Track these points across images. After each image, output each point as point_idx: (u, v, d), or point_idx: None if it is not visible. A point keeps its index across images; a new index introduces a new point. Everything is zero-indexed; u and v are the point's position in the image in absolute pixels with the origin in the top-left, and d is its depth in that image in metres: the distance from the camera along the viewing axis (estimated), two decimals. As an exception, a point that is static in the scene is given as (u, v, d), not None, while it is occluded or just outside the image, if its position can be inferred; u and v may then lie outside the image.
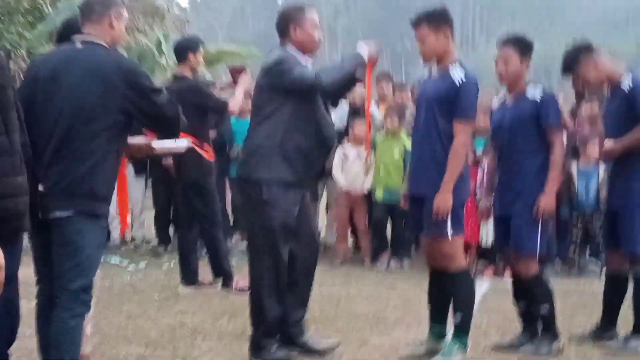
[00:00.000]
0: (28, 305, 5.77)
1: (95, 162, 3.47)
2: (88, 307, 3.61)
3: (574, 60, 4.84)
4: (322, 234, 8.37)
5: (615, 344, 4.83)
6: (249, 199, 4.44)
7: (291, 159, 4.31)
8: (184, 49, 6.29)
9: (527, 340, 4.72)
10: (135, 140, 4.20)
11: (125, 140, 3.72)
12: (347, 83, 4.43)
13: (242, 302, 5.87)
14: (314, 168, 4.54)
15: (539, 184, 4.54)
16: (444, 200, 4.29)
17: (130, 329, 5.28)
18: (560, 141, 4.64)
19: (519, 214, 4.59)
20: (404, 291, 6.54)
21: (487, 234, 7.22)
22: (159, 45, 18.16)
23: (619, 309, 4.98)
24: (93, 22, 3.63)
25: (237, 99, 6.40)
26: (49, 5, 14.31)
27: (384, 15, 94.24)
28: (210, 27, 71.57)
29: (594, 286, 6.34)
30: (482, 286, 6.69)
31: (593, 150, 6.98)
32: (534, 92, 4.61)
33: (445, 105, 4.34)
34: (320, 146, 4.45)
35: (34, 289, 6.17)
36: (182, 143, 4.36)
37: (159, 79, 17.66)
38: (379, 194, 7.64)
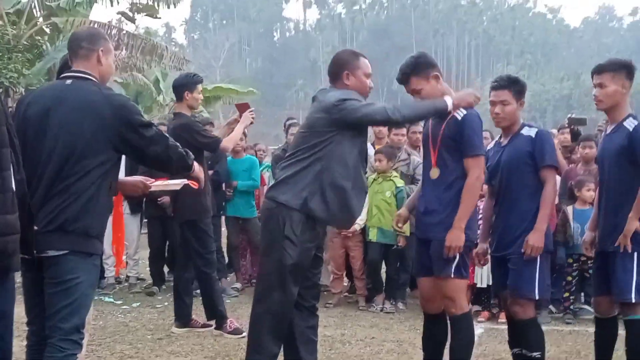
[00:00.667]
0: (20, 344, 5.76)
1: (88, 199, 3.47)
2: (80, 347, 3.57)
3: (613, 66, 4.66)
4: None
5: None
6: (269, 229, 4.32)
7: (325, 192, 4.21)
8: (181, 87, 6.33)
9: None
10: (131, 178, 4.22)
11: (117, 176, 3.72)
12: (419, 120, 4.50)
13: (235, 344, 5.86)
14: (345, 211, 4.32)
15: None
16: (456, 237, 4.25)
17: (122, 370, 5.24)
18: (553, 180, 4.61)
19: (517, 256, 4.52)
20: (399, 333, 6.50)
21: (481, 274, 7.20)
22: (157, 83, 18.30)
23: (611, 353, 4.92)
24: (81, 58, 3.67)
25: (234, 136, 6.33)
26: (47, 43, 14.44)
27: (380, 53, 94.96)
28: (208, 64, 72.08)
29: (589, 331, 6.31)
30: (477, 330, 6.67)
31: (588, 191, 6.99)
32: (529, 130, 4.62)
33: (451, 143, 4.34)
34: (357, 192, 4.34)
35: (26, 328, 6.15)
36: (177, 182, 4.36)
37: (157, 117, 17.84)
38: (372, 235, 7.63)
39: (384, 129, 8.35)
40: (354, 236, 7.77)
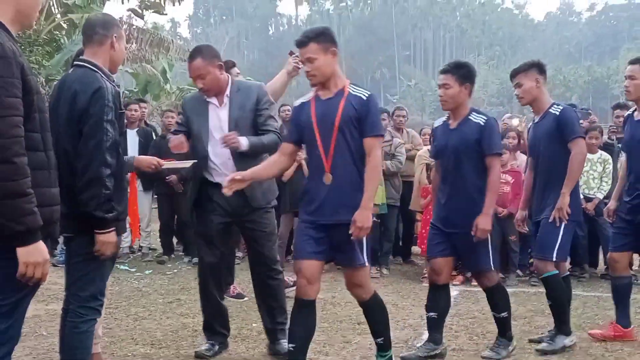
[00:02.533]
0: (46, 307, 5.78)
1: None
2: (98, 313, 3.50)
3: (524, 67, 4.75)
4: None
5: (545, 346, 4.69)
6: None
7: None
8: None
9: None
10: (146, 157, 4.18)
11: (121, 159, 3.43)
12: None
13: (237, 306, 5.87)
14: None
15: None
16: (366, 218, 3.68)
17: (137, 329, 5.26)
18: (498, 166, 4.42)
19: (469, 236, 4.34)
20: (384, 296, 6.34)
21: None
22: (164, 73, 18.16)
23: (568, 311, 4.90)
24: (95, 43, 3.48)
25: (272, 84, 5.17)
26: (64, 37, 14.31)
27: (364, 46, 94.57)
28: (209, 55, 71.60)
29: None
30: (453, 292, 6.70)
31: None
32: (478, 117, 4.40)
33: (355, 123, 3.76)
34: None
35: (51, 293, 6.17)
36: (187, 161, 4.33)
37: (165, 103, 17.72)
38: (358, 211, 7.62)
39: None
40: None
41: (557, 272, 4.74)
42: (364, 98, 3.78)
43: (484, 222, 4.29)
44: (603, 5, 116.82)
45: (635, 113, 4.93)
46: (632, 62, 4.92)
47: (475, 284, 7.01)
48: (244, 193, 4.26)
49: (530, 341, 4.90)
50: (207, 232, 4.50)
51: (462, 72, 4.42)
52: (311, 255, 3.83)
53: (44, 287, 3.56)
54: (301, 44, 3.80)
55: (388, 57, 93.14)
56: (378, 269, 7.68)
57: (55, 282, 5.99)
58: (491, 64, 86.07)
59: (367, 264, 3.89)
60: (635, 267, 7.67)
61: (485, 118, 4.42)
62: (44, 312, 5.61)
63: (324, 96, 3.86)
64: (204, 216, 4.48)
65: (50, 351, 4.53)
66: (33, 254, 2.47)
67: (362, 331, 5.23)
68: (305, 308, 3.87)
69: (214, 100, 4.40)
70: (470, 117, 4.42)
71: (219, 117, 4.38)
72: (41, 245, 2.50)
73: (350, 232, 3.66)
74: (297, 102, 4.04)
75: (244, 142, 4.26)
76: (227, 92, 4.40)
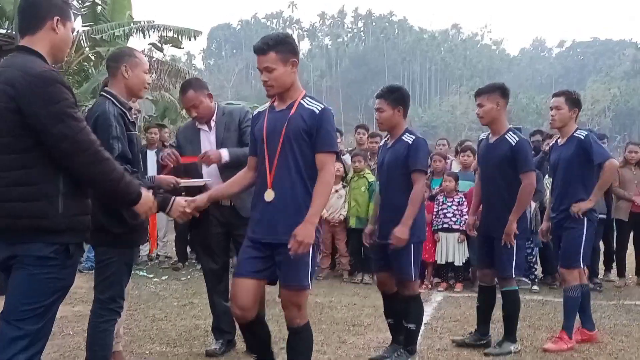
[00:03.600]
0: (72, 309, 5.75)
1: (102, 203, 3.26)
2: (118, 314, 3.48)
3: (488, 89, 4.64)
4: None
5: (493, 349, 4.62)
6: None
7: None
8: None
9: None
10: (165, 176, 4.20)
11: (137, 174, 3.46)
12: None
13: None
14: None
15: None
16: (308, 233, 3.05)
17: (154, 330, 5.23)
18: (421, 182, 4.20)
19: (395, 245, 4.14)
20: (375, 300, 6.45)
21: (441, 253, 7.22)
22: (180, 100, 18.23)
23: (490, 316, 4.88)
24: (110, 75, 3.55)
25: None
26: (92, 68, 14.36)
27: (359, 77, 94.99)
28: (221, 85, 71.78)
29: (526, 298, 6.33)
30: (437, 297, 6.69)
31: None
32: (409, 137, 4.22)
33: (305, 137, 3.20)
34: None
35: (77, 296, 6.14)
36: (201, 180, 4.35)
37: (181, 127, 17.80)
38: (352, 222, 7.62)
39: (365, 137, 8.38)
40: (339, 224, 7.77)
41: (517, 287, 4.71)
42: (317, 111, 3.20)
43: (399, 231, 4.06)
44: (571, 42, 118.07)
45: (559, 140, 4.91)
46: (557, 95, 4.82)
47: (458, 289, 7.04)
48: (234, 206, 4.33)
49: (453, 341, 4.85)
50: (205, 242, 4.53)
51: (394, 96, 4.26)
52: (249, 275, 3.23)
53: (71, 291, 3.53)
54: (260, 51, 3.19)
55: (380, 86, 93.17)
56: (370, 276, 7.65)
57: (81, 286, 5.98)
58: (471, 94, 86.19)
59: (309, 287, 3.23)
60: (600, 277, 7.67)
61: (413, 137, 4.22)
62: (70, 314, 5.58)
63: (277, 107, 3.30)
64: (202, 228, 4.48)
65: (76, 349, 4.51)
66: (146, 203, 2.84)
67: (357, 332, 5.21)
68: (249, 327, 3.37)
69: (204, 127, 4.43)
70: (402, 137, 4.25)
71: (209, 140, 4.41)
72: (146, 194, 2.85)
73: (288, 246, 3.04)
74: (255, 112, 3.48)
75: (224, 153, 4.25)
76: (214, 117, 4.42)
